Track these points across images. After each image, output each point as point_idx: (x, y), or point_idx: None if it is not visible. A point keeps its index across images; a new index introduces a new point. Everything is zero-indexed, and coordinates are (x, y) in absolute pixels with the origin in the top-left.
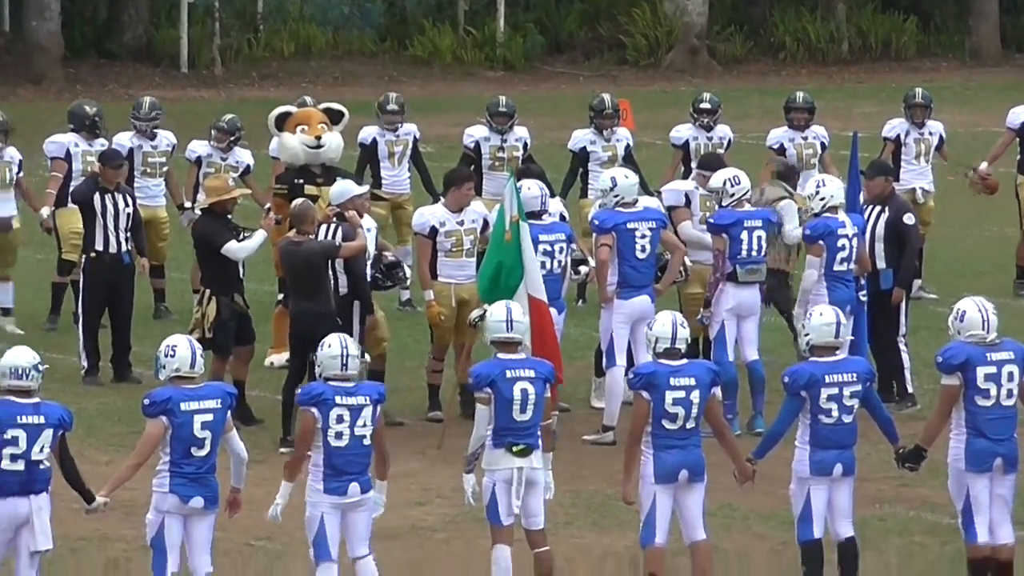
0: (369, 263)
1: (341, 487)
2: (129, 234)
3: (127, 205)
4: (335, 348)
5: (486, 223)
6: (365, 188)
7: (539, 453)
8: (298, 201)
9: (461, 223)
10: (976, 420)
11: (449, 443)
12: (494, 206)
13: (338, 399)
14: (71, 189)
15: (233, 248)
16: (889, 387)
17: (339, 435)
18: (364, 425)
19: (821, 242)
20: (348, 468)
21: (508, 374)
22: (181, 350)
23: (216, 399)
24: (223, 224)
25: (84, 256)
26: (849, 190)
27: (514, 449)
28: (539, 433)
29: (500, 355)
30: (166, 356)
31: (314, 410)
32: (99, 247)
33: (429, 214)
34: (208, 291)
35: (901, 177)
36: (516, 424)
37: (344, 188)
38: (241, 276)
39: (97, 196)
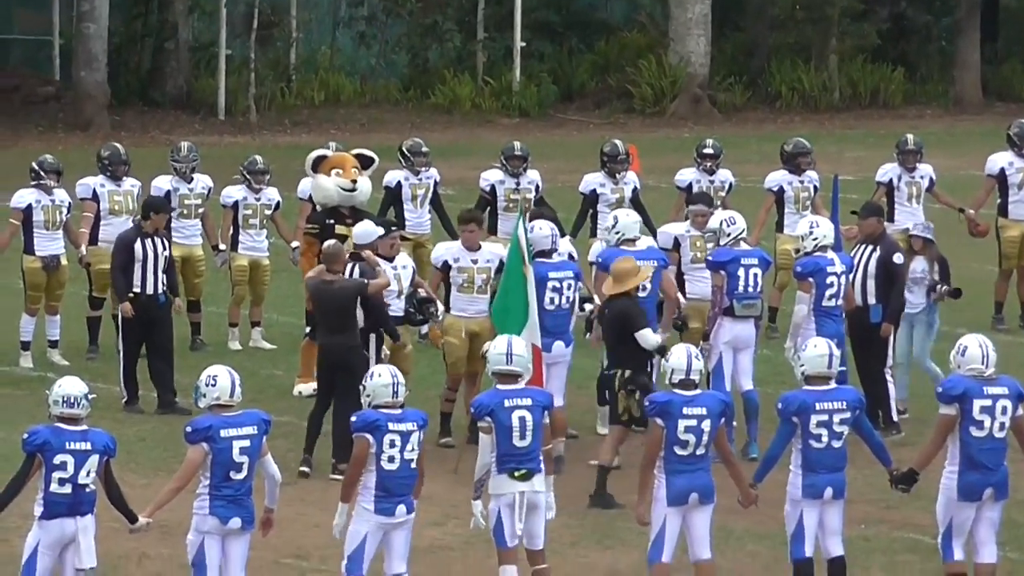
0: (403, 297)
1: (390, 508)
2: (164, 275)
3: (164, 248)
4: (386, 377)
5: (501, 264)
6: (382, 230)
7: (541, 476)
8: (330, 242)
9: (475, 261)
10: (969, 449)
11: (464, 467)
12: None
13: (391, 425)
14: (117, 235)
15: (647, 335)
16: (875, 415)
17: (391, 459)
18: (412, 449)
19: (811, 279)
20: (397, 490)
21: (506, 403)
22: (222, 380)
23: (253, 426)
24: (637, 306)
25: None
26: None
27: (516, 474)
28: (540, 457)
29: (499, 386)
30: (207, 385)
31: (369, 436)
32: (136, 288)
33: (445, 249)
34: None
35: (895, 218)
36: (516, 450)
37: (368, 230)
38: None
39: (138, 243)
